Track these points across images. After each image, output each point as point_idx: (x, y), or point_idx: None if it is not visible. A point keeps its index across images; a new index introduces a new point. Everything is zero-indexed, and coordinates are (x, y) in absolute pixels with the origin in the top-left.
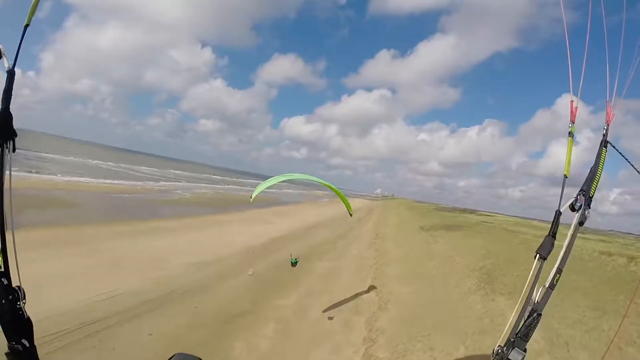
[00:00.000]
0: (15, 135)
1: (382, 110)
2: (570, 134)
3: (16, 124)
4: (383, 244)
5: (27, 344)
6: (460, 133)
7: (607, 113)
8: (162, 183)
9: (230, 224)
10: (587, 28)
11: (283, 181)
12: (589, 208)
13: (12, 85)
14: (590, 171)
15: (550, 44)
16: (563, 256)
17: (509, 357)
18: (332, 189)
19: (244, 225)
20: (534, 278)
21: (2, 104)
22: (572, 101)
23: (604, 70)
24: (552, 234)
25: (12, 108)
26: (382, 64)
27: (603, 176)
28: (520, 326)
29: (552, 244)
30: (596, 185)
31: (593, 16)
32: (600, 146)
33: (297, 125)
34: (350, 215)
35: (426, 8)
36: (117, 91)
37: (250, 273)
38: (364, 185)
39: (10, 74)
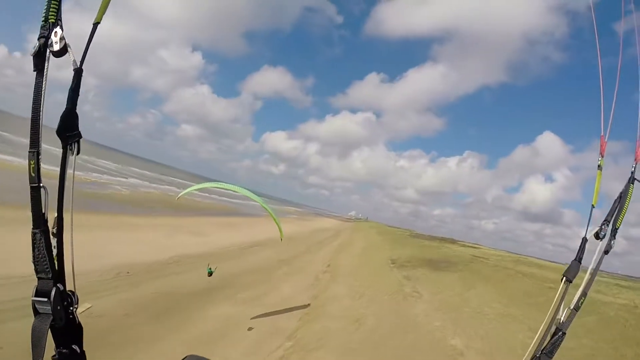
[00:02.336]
0: (80, 137)
1: (365, 133)
2: (599, 167)
3: None
4: (331, 285)
5: (78, 350)
6: (440, 162)
7: (636, 151)
8: (106, 176)
9: (142, 228)
10: (619, 63)
11: (216, 187)
12: (614, 239)
13: (80, 84)
14: (614, 203)
15: (538, 81)
16: (588, 280)
17: None
18: (265, 208)
19: (161, 232)
20: (559, 299)
21: (67, 103)
22: (602, 135)
23: (590, 111)
24: (578, 259)
25: None
26: (370, 87)
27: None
28: (545, 343)
29: (578, 268)
30: (622, 219)
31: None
32: (627, 182)
33: (278, 140)
34: (281, 239)
35: (420, 35)
36: (102, 85)
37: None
38: (339, 206)
39: (78, 73)
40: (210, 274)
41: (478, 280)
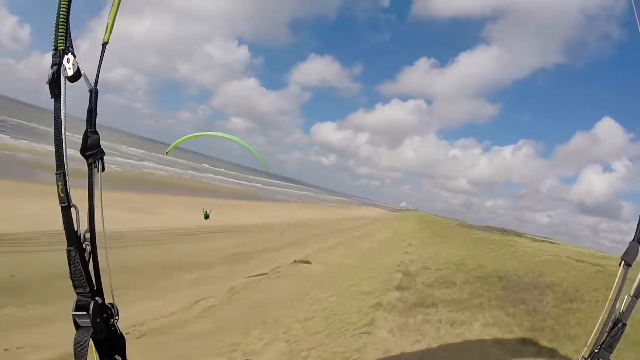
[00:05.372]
0: (104, 154)
1: (416, 121)
2: None
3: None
4: None
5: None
6: (494, 152)
7: None
8: (116, 159)
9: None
10: None
11: (204, 136)
12: None
13: (96, 104)
14: None
15: (597, 61)
16: None
17: None
18: (243, 144)
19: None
20: (618, 286)
21: (87, 123)
22: None
23: None
24: (638, 240)
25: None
26: (420, 73)
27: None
28: (605, 337)
29: (638, 250)
30: None
31: None
32: None
33: (328, 131)
34: (267, 172)
35: (470, 14)
36: (150, 82)
37: None
38: (390, 197)
39: (93, 94)
40: (206, 217)
41: None
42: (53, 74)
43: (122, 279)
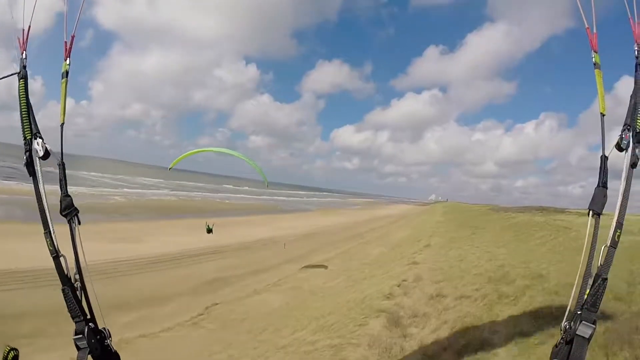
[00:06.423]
0: (78, 212)
1: (434, 111)
2: (596, 64)
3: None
4: None
5: None
6: (517, 130)
7: (633, 31)
8: (124, 190)
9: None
10: None
11: (202, 152)
12: None
13: (65, 173)
14: (630, 101)
15: (606, 20)
16: (620, 208)
17: (577, 332)
18: (242, 158)
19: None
20: (592, 238)
21: (61, 190)
22: (587, 28)
23: None
24: (602, 184)
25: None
26: (431, 62)
27: None
28: (585, 296)
29: (605, 196)
30: None
31: None
32: (636, 70)
33: (347, 135)
34: (266, 185)
35: None
36: (167, 114)
37: None
38: (419, 192)
39: (62, 166)
40: (209, 231)
41: None
42: (27, 158)
43: (36, 324)
